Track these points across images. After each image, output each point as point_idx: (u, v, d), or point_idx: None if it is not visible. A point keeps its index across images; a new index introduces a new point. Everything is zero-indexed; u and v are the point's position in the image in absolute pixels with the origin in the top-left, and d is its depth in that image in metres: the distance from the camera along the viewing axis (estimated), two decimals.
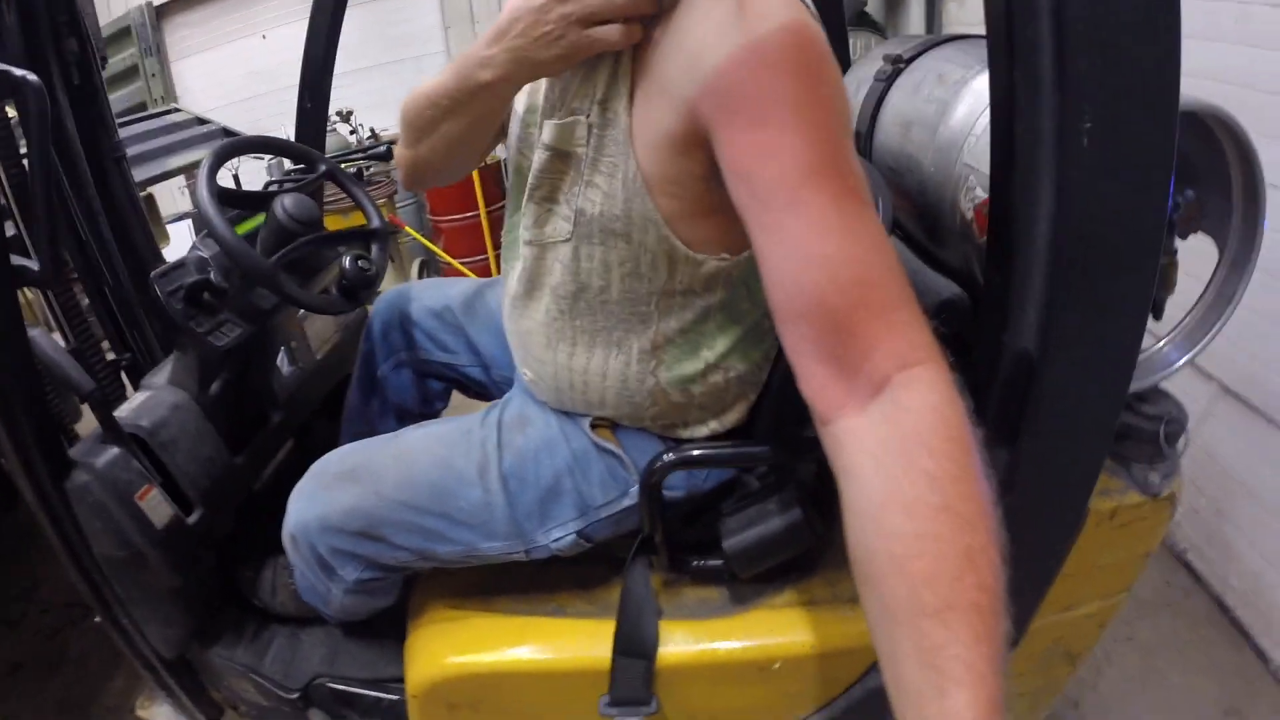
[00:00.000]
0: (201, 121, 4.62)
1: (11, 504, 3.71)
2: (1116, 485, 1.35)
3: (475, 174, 5.34)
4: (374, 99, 5.78)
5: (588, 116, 1.11)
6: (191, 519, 1.61)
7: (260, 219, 1.80)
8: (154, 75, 7.27)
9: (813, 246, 0.87)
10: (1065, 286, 0.92)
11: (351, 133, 5.93)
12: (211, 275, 1.63)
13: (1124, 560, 1.44)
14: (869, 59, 1.83)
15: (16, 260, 1.42)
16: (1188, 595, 2.69)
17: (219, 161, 1.66)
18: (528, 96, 1.24)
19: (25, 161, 1.69)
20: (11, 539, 3.74)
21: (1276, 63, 2.22)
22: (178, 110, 4.79)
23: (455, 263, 5.22)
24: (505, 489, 1.33)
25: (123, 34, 6.96)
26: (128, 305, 2.23)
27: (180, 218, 5.08)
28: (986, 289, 1.03)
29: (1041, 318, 0.95)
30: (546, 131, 1.16)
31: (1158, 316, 1.29)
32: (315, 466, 1.46)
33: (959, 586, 0.72)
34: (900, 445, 0.79)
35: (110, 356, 2.26)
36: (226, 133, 4.62)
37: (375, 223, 1.80)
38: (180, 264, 1.67)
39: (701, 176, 1.05)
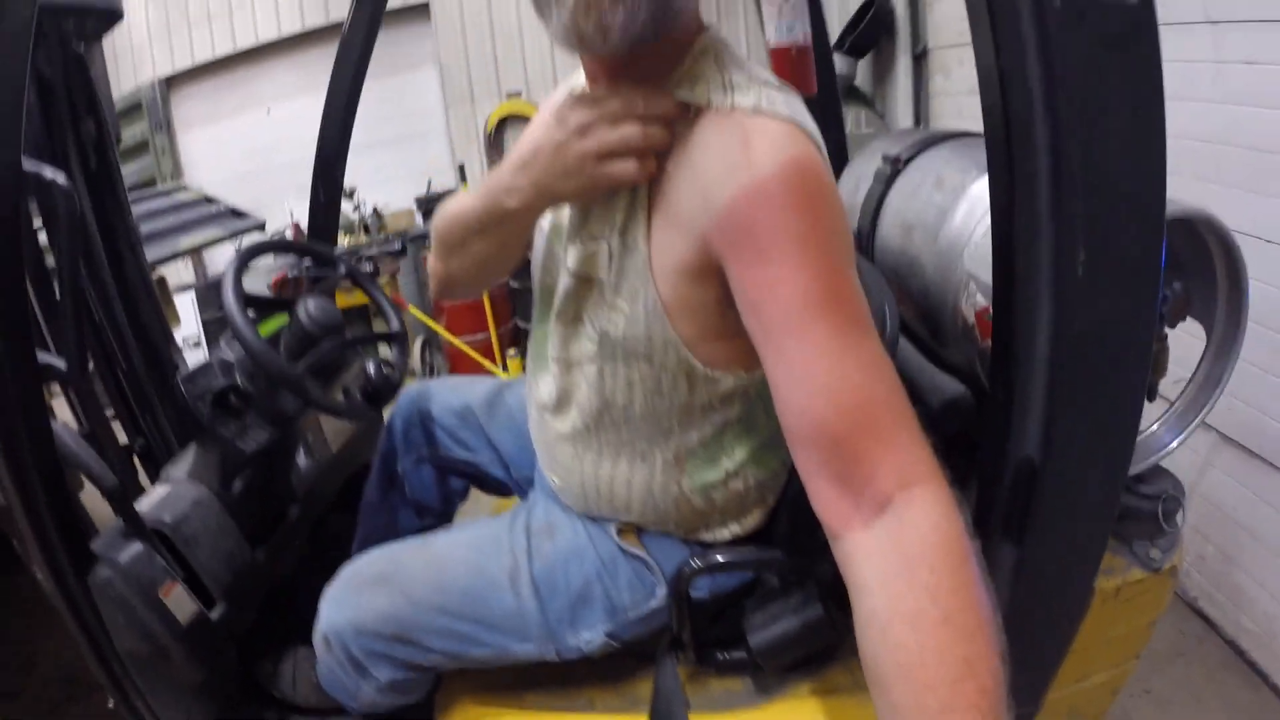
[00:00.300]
0: (209, 200, 4.68)
1: (8, 569, 3.86)
2: (1119, 563, 1.40)
3: None
4: (377, 175, 5.85)
5: (609, 243, 1.17)
6: (214, 614, 1.61)
7: (281, 319, 1.85)
8: (164, 152, 7.35)
9: (816, 374, 0.94)
10: (1063, 397, 0.98)
11: (354, 209, 6.00)
12: (237, 379, 1.67)
13: (1131, 631, 1.49)
14: (866, 155, 1.91)
15: (44, 357, 1.41)
16: (1201, 642, 2.71)
17: (243, 266, 1.69)
18: (552, 215, 1.30)
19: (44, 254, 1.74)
20: (10, 608, 3.67)
21: (1253, 119, 2.29)
22: (185, 189, 4.85)
23: (457, 341, 5.23)
24: (537, 594, 1.37)
25: (134, 109, 7.04)
26: (141, 390, 2.24)
27: (184, 289, 5.13)
28: (990, 399, 1.08)
29: (1042, 425, 1.00)
30: (571, 257, 1.22)
31: (1150, 398, 1.34)
32: (347, 570, 1.49)
33: (959, 690, 0.77)
34: (903, 561, 0.85)
35: (123, 439, 2.27)
36: (234, 214, 4.68)
37: (395, 326, 1.85)
38: (206, 367, 1.71)
39: (717, 302, 1.11)
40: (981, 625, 0.81)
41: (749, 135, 1.02)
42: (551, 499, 1.46)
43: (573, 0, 1.00)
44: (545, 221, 1.33)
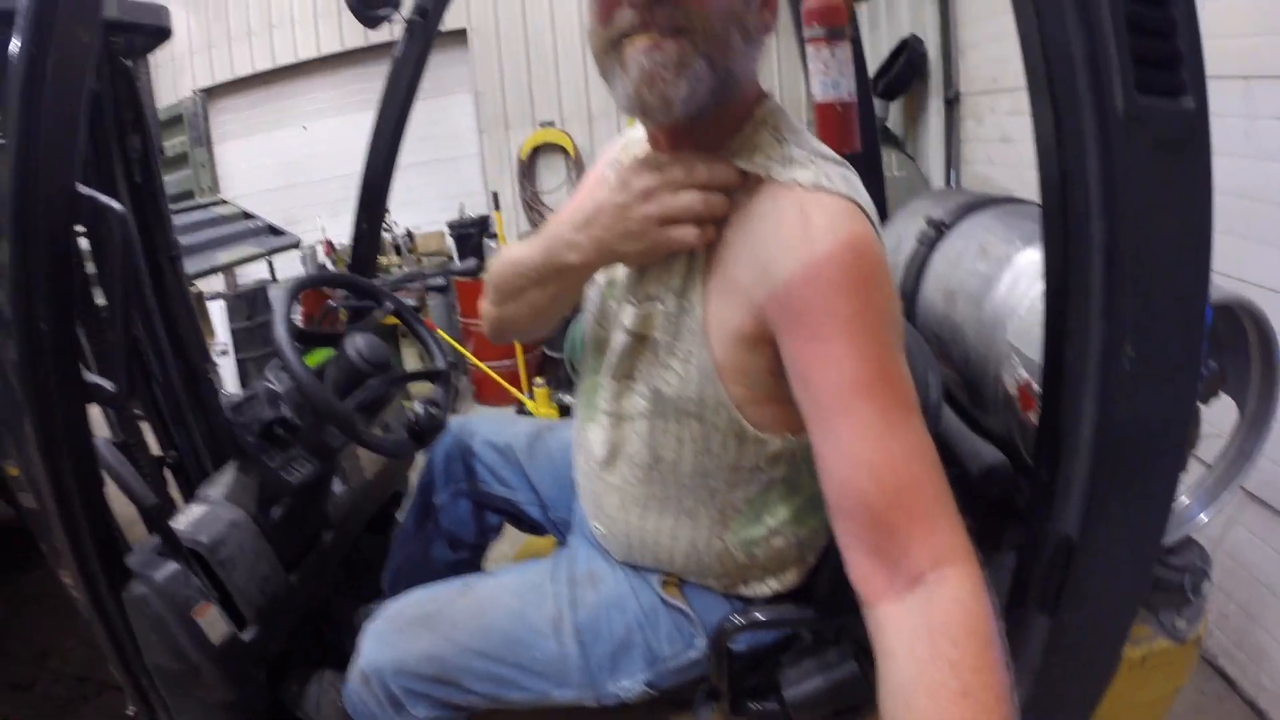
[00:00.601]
0: (248, 216, 4.75)
1: (23, 566, 3.83)
2: (1146, 632, 1.43)
3: None
4: (409, 196, 5.90)
5: (665, 305, 1.21)
6: (246, 636, 1.62)
7: (325, 351, 1.88)
8: (203, 165, 7.44)
9: (860, 452, 0.99)
10: (1103, 480, 1.02)
11: (386, 230, 6.07)
12: (284, 411, 1.69)
13: (1155, 699, 1.52)
14: (908, 214, 1.95)
15: (91, 378, 1.43)
16: (1221, 701, 2.70)
17: (292, 299, 1.72)
18: (606, 270, 1.34)
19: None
20: (24, 604, 3.75)
21: None
22: (224, 203, 4.92)
23: (484, 367, 5.27)
24: (579, 642, 1.39)
25: (174, 121, 7.15)
26: (177, 403, 2.26)
27: (213, 297, 5.19)
28: (1034, 478, 1.12)
29: (1082, 506, 1.04)
30: (627, 316, 1.26)
31: (1181, 469, 1.38)
32: (390, 609, 1.51)
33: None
34: (929, 635, 0.90)
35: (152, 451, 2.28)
36: (272, 230, 4.75)
37: (440, 364, 1.89)
38: (252, 396, 1.73)
39: (769, 368, 1.15)
40: (999, 701, 0.86)
41: (808, 212, 1.06)
42: (593, 547, 1.50)
43: (637, 72, 1.06)
44: (600, 276, 1.37)
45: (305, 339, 1.81)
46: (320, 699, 1.79)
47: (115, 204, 1.38)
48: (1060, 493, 1.05)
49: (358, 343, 1.75)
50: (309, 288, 1.93)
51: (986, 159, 4.58)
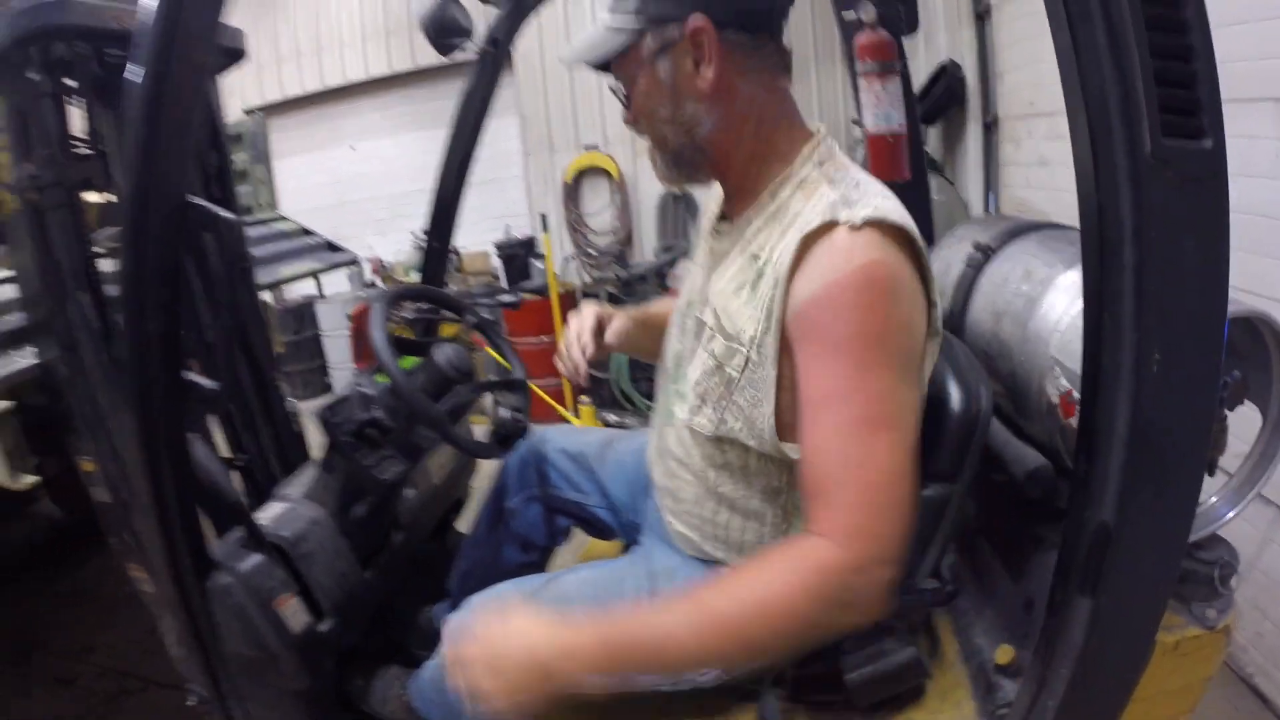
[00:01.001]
0: (307, 233, 4.92)
1: (70, 563, 4.03)
2: (1178, 621, 1.54)
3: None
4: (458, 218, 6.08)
5: (747, 350, 1.34)
6: (323, 627, 1.69)
7: (410, 361, 2.03)
8: (262, 182, 7.64)
9: (814, 443, 1.24)
10: (1135, 472, 1.15)
11: None
12: (376, 412, 1.79)
13: (1187, 685, 1.62)
14: (955, 239, 2.09)
15: (193, 376, 1.52)
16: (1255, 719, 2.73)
17: (388, 310, 1.86)
18: (685, 289, 1.50)
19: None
20: (64, 601, 3.94)
21: None
22: (285, 219, 5.09)
23: (531, 384, 5.36)
24: None
25: (233, 140, 7.41)
26: (247, 409, 2.35)
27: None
28: (1075, 475, 1.25)
29: (1117, 495, 1.17)
30: (717, 345, 1.39)
31: (1210, 473, 1.50)
32: (478, 600, 1.59)
33: (732, 599, 1.19)
34: (780, 557, 1.21)
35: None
36: (330, 247, 4.92)
37: (520, 374, 2.04)
38: (345, 399, 1.85)
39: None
40: (748, 616, 1.18)
41: (837, 244, 1.22)
42: (667, 545, 1.61)
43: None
44: (681, 296, 1.52)
45: (400, 347, 1.94)
46: (386, 693, 1.88)
47: (227, 213, 1.48)
48: (1097, 484, 1.18)
49: (447, 352, 1.92)
50: (404, 300, 2.08)
51: (1025, 183, 4.62)
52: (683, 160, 1.41)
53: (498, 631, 1.23)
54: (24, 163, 1.76)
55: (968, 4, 5.25)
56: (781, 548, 1.23)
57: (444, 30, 2.24)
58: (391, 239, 7.15)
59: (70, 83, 1.86)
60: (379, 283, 6.44)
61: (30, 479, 2.28)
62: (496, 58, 2.42)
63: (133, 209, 1.33)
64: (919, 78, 5.35)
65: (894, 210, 1.25)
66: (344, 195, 7.76)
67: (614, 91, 1.44)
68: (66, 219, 1.82)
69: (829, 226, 1.23)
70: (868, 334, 1.19)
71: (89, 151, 1.92)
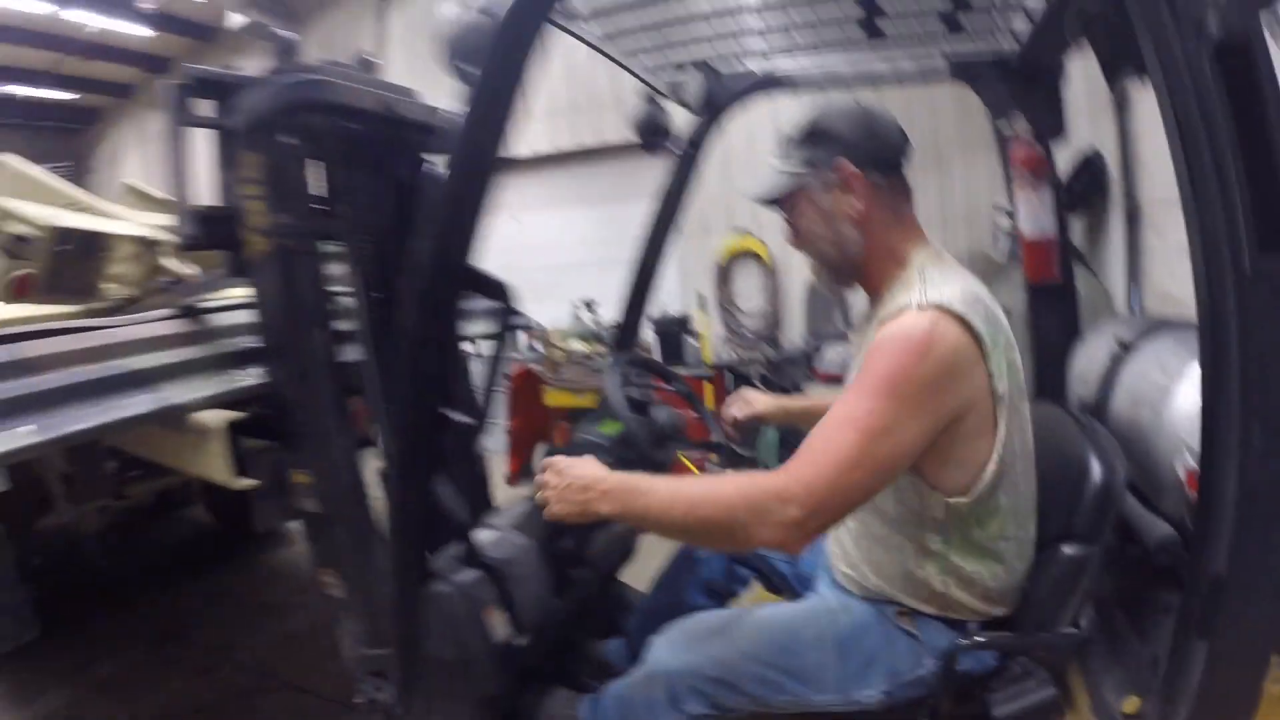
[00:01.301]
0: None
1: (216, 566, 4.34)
2: None
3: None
4: (611, 292, 6.40)
5: None
6: (520, 641, 1.85)
7: (615, 425, 2.25)
8: None
9: (816, 430, 1.53)
10: (1244, 528, 1.39)
11: (594, 321, 6.63)
12: (603, 459, 1.90)
13: None
14: (1099, 333, 2.38)
15: (453, 414, 1.79)
16: None
17: (623, 373, 2.21)
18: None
19: None
20: (209, 600, 4.28)
21: None
22: None
23: (681, 456, 5.44)
24: (839, 655, 1.70)
25: None
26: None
27: None
28: (1195, 533, 1.47)
29: (1229, 550, 1.40)
30: None
31: None
32: (683, 625, 1.82)
33: (698, 484, 1.60)
34: (750, 474, 1.56)
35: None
36: (509, 310, 5.26)
37: (718, 439, 2.33)
38: (571, 447, 2.09)
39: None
40: (696, 497, 1.55)
41: (907, 317, 1.53)
42: (839, 589, 1.85)
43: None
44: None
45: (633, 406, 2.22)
46: (554, 712, 1.99)
47: (497, 277, 1.92)
48: (1212, 540, 1.42)
49: (664, 414, 2.24)
50: (633, 367, 2.43)
51: (1169, 274, 4.41)
52: (841, 273, 1.78)
53: (571, 465, 1.70)
54: (279, 213, 2.00)
55: (1107, 93, 5.16)
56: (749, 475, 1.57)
57: (652, 130, 2.60)
58: (549, 307, 7.47)
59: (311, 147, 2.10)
60: (537, 348, 6.75)
61: (247, 481, 2.42)
62: (695, 158, 2.83)
63: (432, 275, 1.66)
64: (1062, 163, 5.37)
65: (956, 299, 1.54)
66: (507, 265, 7.98)
67: (784, 219, 1.82)
68: (310, 264, 2.06)
69: (903, 310, 1.55)
70: (892, 374, 1.49)
71: (325, 208, 2.15)
